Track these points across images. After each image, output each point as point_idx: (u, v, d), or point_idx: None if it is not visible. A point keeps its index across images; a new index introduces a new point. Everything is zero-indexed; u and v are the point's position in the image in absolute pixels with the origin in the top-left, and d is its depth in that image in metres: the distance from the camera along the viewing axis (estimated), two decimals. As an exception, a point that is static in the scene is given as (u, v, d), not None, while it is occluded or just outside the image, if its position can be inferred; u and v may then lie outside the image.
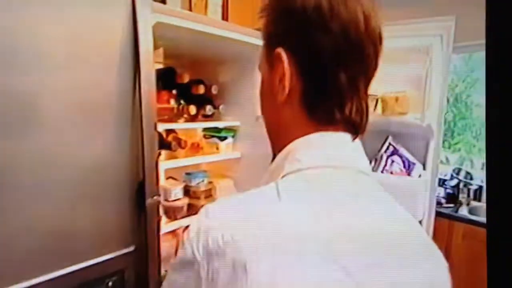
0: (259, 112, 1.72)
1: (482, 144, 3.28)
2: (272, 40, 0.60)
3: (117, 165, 1.02)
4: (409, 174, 1.97)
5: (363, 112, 0.59)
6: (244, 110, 1.93)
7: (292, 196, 0.52)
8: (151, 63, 1.03)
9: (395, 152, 2.05)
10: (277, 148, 0.63)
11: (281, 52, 0.56)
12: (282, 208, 0.51)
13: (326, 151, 0.58)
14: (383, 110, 1.99)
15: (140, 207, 1.05)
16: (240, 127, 1.99)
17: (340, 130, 0.59)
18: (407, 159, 2.01)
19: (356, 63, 0.56)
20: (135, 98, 1.03)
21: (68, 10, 0.90)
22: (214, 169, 2.06)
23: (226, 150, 1.96)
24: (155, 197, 1.06)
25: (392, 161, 2.01)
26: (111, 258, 1.03)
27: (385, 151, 2.10)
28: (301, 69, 0.56)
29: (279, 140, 0.63)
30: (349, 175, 0.58)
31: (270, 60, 0.60)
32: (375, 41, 0.56)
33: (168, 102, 1.71)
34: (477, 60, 3.36)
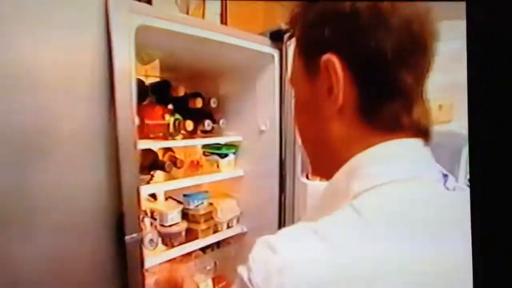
0: (262, 125, 1.57)
1: None
2: (314, 47, 0.52)
3: (92, 198, 0.87)
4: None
5: (430, 116, 0.53)
6: (246, 123, 1.78)
7: (377, 219, 0.44)
8: (130, 71, 0.88)
9: (428, 165, 1.87)
10: (326, 169, 0.56)
11: (332, 58, 0.48)
12: (370, 235, 0.43)
13: (402, 161, 0.51)
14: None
15: (120, 245, 0.89)
16: (242, 143, 1.83)
17: (409, 137, 0.51)
18: (440, 171, 1.80)
19: (421, 61, 0.50)
20: (111, 122, 0.87)
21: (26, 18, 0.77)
22: (216, 189, 1.90)
23: (228, 168, 1.80)
24: (134, 235, 0.90)
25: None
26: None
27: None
28: (357, 74, 0.49)
29: (330, 159, 0.54)
30: (432, 188, 0.51)
31: (311, 70, 0.53)
32: (436, 36, 0.51)
33: (163, 117, 1.56)
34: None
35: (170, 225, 1.54)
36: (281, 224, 1.73)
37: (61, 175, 0.84)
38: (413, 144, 0.52)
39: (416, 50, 0.49)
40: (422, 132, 0.52)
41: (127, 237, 0.88)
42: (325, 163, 0.56)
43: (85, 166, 0.86)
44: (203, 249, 1.80)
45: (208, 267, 1.82)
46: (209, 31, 1.24)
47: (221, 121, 1.76)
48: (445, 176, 0.55)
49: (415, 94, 0.50)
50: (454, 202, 0.52)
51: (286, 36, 1.54)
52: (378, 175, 0.49)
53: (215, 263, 1.85)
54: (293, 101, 0.61)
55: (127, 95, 0.88)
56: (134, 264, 0.92)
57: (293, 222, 1.75)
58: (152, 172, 1.47)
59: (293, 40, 0.58)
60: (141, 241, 0.92)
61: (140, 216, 0.93)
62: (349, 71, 0.48)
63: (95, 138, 0.87)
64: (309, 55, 0.53)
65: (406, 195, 0.48)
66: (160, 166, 1.42)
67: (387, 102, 0.49)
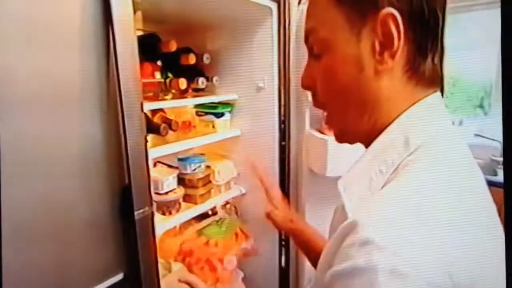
0: (260, 82, 1.46)
1: (447, 101, 3.39)
2: (365, 1, 0.51)
3: (91, 168, 0.75)
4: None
5: None
6: (242, 80, 1.65)
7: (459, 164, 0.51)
8: (130, 26, 0.75)
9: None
10: (364, 132, 0.56)
11: (394, 13, 0.48)
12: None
13: (444, 111, 0.57)
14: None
15: (127, 222, 0.78)
16: (238, 101, 1.71)
17: (438, 87, 0.56)
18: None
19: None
20: (111, 75, 0.75)
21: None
22: (210, 150, 1.79)
23: (224, 127, 1.69)
24: (146, 208, 0.79)
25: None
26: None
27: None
28: (412, 30, 0.50)
29: (372, 119, 0.55)
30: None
31: (356, 24, 0.51)
32: None
33: (153, 75, 1.42)
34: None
35: (166, 193, 1.44)
36: (284, 183, 1.66)
37: (56, 144, 0.72)
38: (440, 95, 0.57)
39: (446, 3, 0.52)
40: (443, 83, 0.57)
41: (136, 213, 0.77)
42: (364, 125, 0.56)
43: (83, 133, 0.74)
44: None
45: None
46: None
47: (214, 79, 1.63)
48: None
49: (445, 46, 0.54)
50: None
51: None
52: (434, 127, 0.53)
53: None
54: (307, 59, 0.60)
55: (129, 47, 0.76)
56: (146, 244, 0.82)
57: (296, 182, 1.69)
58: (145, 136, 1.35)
59: None
60: (152, 216, 0.82)
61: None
62: (405, 27, 0.49)
63: (95, 100, 0.74)
64: (358, 8, 0.51)
65: (461, 142, 0.55)
66: (155, 129, 1.30)
67: (430, 57, 0.52)
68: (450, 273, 0.39)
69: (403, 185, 0.48)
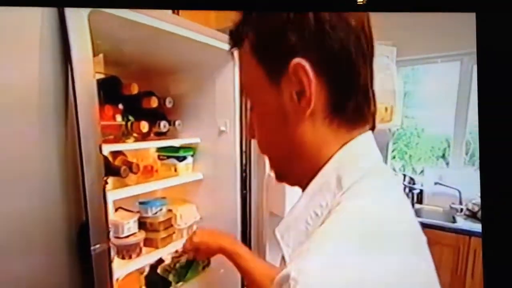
0: (222, 125, 1.49)
1: (412, 151, 3.78)
2: (278, 54, 0.53)
3: (47, 206, 0.74)
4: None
5: (377, 103, 0.58)
6: (204, 124, 1.68)
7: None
8: (89, 69, 0.77)
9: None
10: (297, 175, 0.60)
11: (302, 62, 0.51)
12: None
13: (375, 152, 0.59)
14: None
15: (85, 258, 0.77)
16: (200, 144, 1.73)
17: (367, 126, 0.58)
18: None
19: (371, 52, 0.55)
20: (69, 115, 0.76)
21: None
22: (172, 194, 1.78)
23: (186, 171, 1.69)
24: (103, 244, 0.78)
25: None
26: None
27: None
28: (326, 74, 0.52)
29: (302, 163, 0.58)
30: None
31: (274, 76, 0.55)
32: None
33: (114, 118, 1.43)
34: (406, 75, 3.63)
35: (127, 236, 1.41)
36: (245, 226, 1.66)
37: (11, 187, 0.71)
38: (371, 135, 0.59)
39: (368, 43, 0.54)
40: (373, 122, 0.59)
41: (92, 248, 0.76)
42: (297, 169, 0.59)
43: (40, 176, 0.74)
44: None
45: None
46: (169, 23, 1.14)
47: (176, 122, 1.65)
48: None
49: (370, 84, 0.56)
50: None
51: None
52: (364, 167, 0.55)
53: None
54: (248, 112, 0.65)
55: (88, 90, 0.77)
56: (103, 280, 0.80)
57: (258, 224, 1.69)
58: (105, 178, 1.33)
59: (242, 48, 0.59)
60: (108, 251, 0.80)
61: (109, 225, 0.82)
62: (318, 73, 0.51)
63: (51, 136, 0.75)
64: (272, 62, 0.54)
65: (390, 178, 0.60)
66: (115, 171, 1.29)
67: (352, 97, 0.54)
68: None
69: (329, 231, 0.48)
